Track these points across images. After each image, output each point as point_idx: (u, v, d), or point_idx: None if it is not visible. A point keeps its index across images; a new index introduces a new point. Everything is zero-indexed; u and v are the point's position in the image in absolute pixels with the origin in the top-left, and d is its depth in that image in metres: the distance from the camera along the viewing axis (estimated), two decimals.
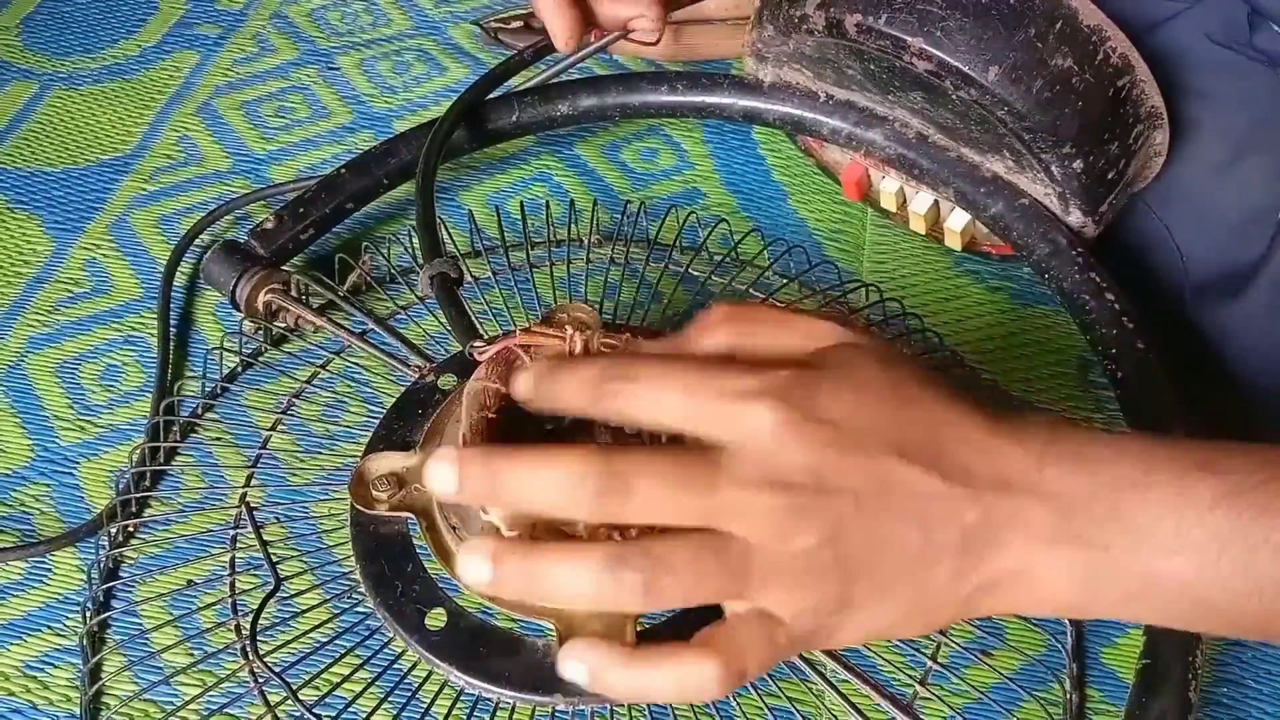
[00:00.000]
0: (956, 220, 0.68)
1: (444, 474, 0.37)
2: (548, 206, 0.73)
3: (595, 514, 0.37)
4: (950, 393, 0.40)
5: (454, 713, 0.48)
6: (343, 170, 0.71)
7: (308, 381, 0.65)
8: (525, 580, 0.38)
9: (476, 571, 0.38)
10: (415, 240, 0.71)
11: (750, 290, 0.67)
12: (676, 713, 0.52)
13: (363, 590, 0.49)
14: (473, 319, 0.56)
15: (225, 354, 0.66)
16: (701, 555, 0.37)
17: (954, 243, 0.69)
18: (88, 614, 0.56)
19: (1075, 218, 0.63)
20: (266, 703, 0.50)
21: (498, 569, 0.38)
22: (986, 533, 0.38)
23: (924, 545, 0.38)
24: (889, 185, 0.70)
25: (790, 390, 0.37)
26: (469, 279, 0.65)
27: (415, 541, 0.50)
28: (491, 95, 0.73)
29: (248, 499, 0.59)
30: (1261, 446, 0.39)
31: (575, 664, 0.38)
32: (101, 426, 0.65)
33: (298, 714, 0.49)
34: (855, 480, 0.37)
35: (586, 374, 0.39)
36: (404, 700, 0.50)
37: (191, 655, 0.55)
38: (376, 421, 0.54)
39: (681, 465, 0.37)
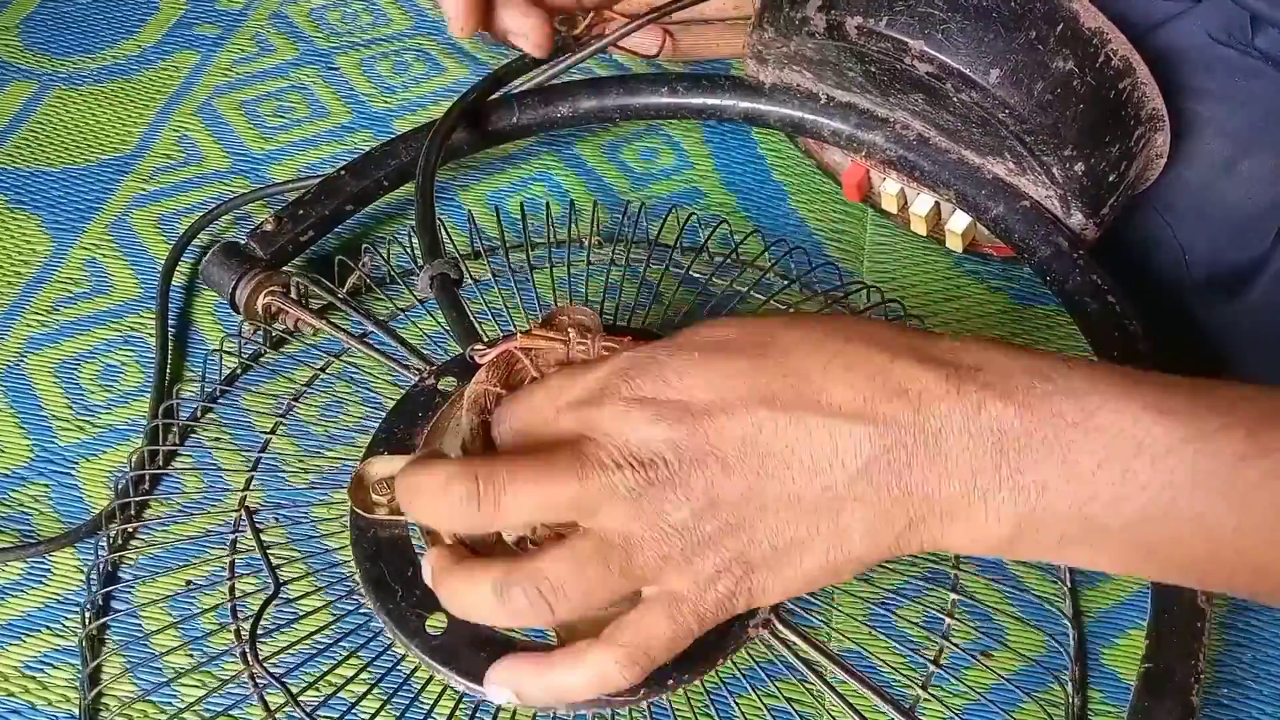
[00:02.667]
0: (957, 222, 0.68)
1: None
2: (548, 207, 0.73)
3: (473, 521, 0.38)
4: (845, 327, 0.37)
5: (455, 716, 0.48)
6: (342, 172, 0.71)
7: (307, 384, 0.65)
8: (447, 599, 0.41)
9: (429, 581, 0.42)
10: (415, 241, 0.71)
11: (751, 291, 0.67)
12: (676, 713, 0.52)
13: (363, 594, 0.49)
14: (473, 321, 0.56)
15: (224, 356, 0.66)
16: (585, 566, 0.38)
17: (955, 244, 0.69)
18: (87, 616, 0.56)
19: (1076, 220, 0.63)
20: (266, 707, 0.50)
21: (436, 587, 0.41)
22: (898, 466, 0.35)
23: (817, 491, 0.36)
24: (890, 187, 0.70)
25: (630, 373, 0.37)
26: (469, 280, 0.64)
27: (415, 545, 0.50)
28: (492, 96, 0.73)
29: (247, 502, 0.58)
30: (1228, 387, 0.36)
31: (498, 689, 0.41)
32: (101, 427, 0.65)
33: (298, 718, 0.49)
34: (715, 443, 0.36)
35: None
36: (405, 704, 0.50)
37: (191, 658, 0.55)
38: (376, 424, 0.54)
39: (546, 464, 0.38)
